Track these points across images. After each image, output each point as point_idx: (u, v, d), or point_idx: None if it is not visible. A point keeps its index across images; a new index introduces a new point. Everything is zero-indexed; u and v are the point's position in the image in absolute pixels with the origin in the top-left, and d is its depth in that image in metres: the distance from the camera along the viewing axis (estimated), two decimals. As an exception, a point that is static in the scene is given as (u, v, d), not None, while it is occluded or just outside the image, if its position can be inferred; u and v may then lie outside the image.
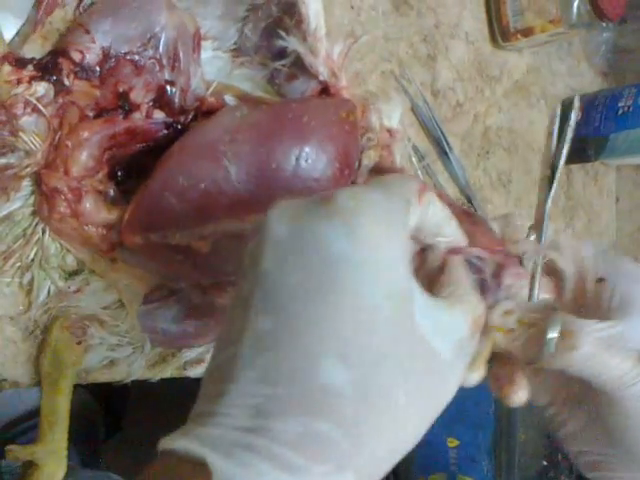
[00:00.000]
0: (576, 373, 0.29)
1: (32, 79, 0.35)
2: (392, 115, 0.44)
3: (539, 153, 0.72)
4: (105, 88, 0.38)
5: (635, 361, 0.28)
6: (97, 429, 0.74)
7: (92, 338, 0.40)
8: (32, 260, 0.38)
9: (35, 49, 0.37)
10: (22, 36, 0.37)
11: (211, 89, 0.41)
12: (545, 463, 0.69)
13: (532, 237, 0.33)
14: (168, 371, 0.45)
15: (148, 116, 0.38)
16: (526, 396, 0.30)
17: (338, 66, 0.42)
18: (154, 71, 0.39)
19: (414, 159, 0.57)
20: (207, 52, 0.42)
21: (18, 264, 0.38)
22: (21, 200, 0.37)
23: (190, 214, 0.35)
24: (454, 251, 0.28)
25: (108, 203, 0.37)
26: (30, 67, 0.35)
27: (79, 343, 0.40)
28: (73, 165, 0.36)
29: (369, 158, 0.41)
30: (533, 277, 0.32)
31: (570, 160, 0.75)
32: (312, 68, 0.41)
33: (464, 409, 0.66)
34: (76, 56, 0.37)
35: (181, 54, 0.40)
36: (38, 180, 0.36)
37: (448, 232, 0.29)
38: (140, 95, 0.38)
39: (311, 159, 0.36)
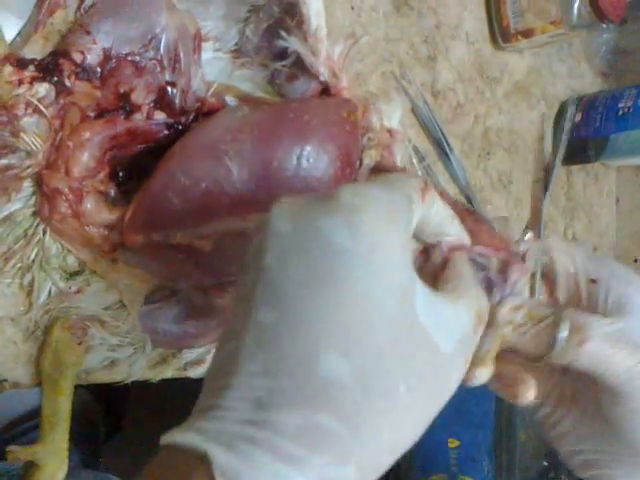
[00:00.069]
0: (582, 368, 0.29)
1: (33, 80, 0.35)
2: (392, 115, 0.44)
3: (539, 154, 0.72)
4: (106, 89, 0.38)
5: None
6: (98, 429, 0.74)
7: (93, 339, 0.40)
8: (33, 261, 0.38)
9: (36, 50, 0.38)
10: (23, 37, 0.38)
11: (212, 90, 0.41)
12: (546, 463, 0.69)
13: (528, 236, 0.33)
14: (169, 372, 0.45)
15: (149, 117, 0.38)
16: (534, 394, 0.30)
17: (339, 66, 0.42)
18: (155, 72, 0.39)
19: (415, 160, 0.57)
20: (208, 53, 0.42)
21: (19, 265, 0.38)
22: (22, 201, 0.37)
23: (192, 213, 0.35)
24: (457, 248, 0.29)
25: (109, 203, 0.37)
26: (31, 68, 0.35)
27: (80, 344, 0.40)
28: (74, 166, 0.36)
29: (370, 157, 0.41)
30: (534, 274, 0.32)
31: (570, 161, 0.75)
32: (313, 68, 0.41)
33: (465, 409, 0.66)
34: (77, 57, 0.37)
35: (182, 55, 0.40)
36: (39, 181, 0.36)
37: (451, 231, 0.29)
38: (141, 96, 0.39)
39: (312, 158, 0.36)
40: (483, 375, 0.28)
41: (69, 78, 0.36)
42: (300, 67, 0.41)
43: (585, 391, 0.32)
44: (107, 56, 0.38)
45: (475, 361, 0.28)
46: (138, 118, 0.38)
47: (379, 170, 0.39)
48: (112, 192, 0.38)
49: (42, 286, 0.39)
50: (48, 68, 0.36)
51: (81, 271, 0.40)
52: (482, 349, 0.28)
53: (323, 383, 0.22)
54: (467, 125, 0.64)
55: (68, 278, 0.39)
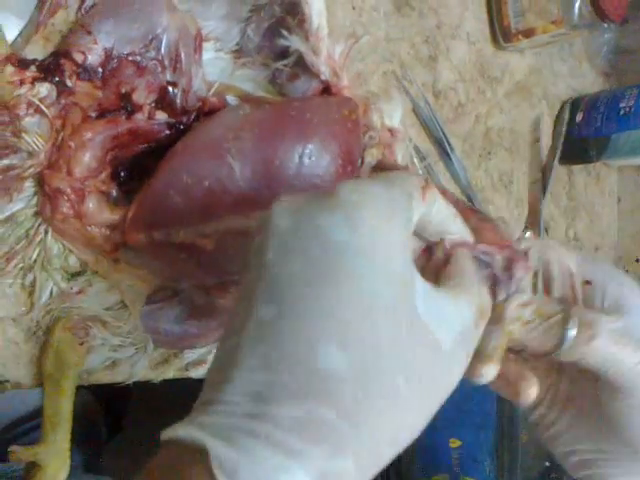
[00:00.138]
0: (589, 364, 0.29)
1: (35, 80, 0.35)
2: (393, 114, 0.44)
3: (537, 154, 0.72)
4: (107, 89, 0.38)
5: None
6: (99, 430, 0.74)
7: (94, 339, 0.40)
8: (34, 261, 0.38)
9: (37, 50, 0.38)
10: (24, 37, 0.38)
11: (213, 90, 0.41)
12: (548, 464, 0.69)
13: (528, 235, 0.33)
14: (170, 372, 0.45)
15: (150, 117, 0.38)
16: (537, 392, 0.30)
17: (339, 66, 0.42)
18: (156, 72, 0.39)
19: (415, 159, 0.57)
20: (209, 53, 0.42)
21: (20, 265, 0.38)
22: (24, 201, 0.37)
23: (194, 212, 0.35)
24: (460, 245, 0.29)
25: (111, 203, 0.37)
26: (33, 68, 0.35)
27: (81, 344, 0.40)
28: (76, 166, 0.36)
29: (372, 156, 0.41)
30: (536, 273, 0.32)
31: (572, 161, 0.75)
32: (314, 67, 0.41)
33: (466, 410, 0.66)
34: (78, 57, 0.37)
35: (183, 55, 0.40)
36: (41, 181, 0.36)
37: (454, 230, 0.29)
38: (142, 96, 0.39)
39: (314, 156, 0.36)
40: (490, 373, 0.28)
41: (70, 78, 0.36)
42: (301, 66, 0.42)
43: (582, 390, 0.33)
44: (108, 56, 0.38)
45: (482, 358, 0.28)
46: (139, 118, 0.38)
47: (381, 168, 0.39)
48: (114, 192, 0.38)
49: (44, 286, 0.39)
50: (49, 68, 0.36)
51: (83, 271, 0.40)
52: (489, 346, 0.28)
53: (322, 376, 0.22)
54: (468, 125, 0.64)
55: (70, 278, 0.39)
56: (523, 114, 0.70)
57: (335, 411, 0.22)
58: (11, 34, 0.37)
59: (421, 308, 0.24)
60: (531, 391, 0.30)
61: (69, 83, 0.36)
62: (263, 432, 0.21)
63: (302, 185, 0.36)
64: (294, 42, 0.40)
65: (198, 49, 0.41)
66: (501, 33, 0.65)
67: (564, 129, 0.72)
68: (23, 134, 0.35)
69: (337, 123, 0.38)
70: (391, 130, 0.44)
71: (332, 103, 0.40)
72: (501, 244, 0.29)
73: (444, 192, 0.30)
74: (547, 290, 0.33)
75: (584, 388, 0.32)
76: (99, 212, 0.36)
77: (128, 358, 0.42)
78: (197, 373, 0.46)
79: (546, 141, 0.72)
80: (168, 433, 0.22)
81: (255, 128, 0.36)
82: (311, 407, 0.22)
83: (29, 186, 0.37)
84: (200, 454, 0.21)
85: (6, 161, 0.35)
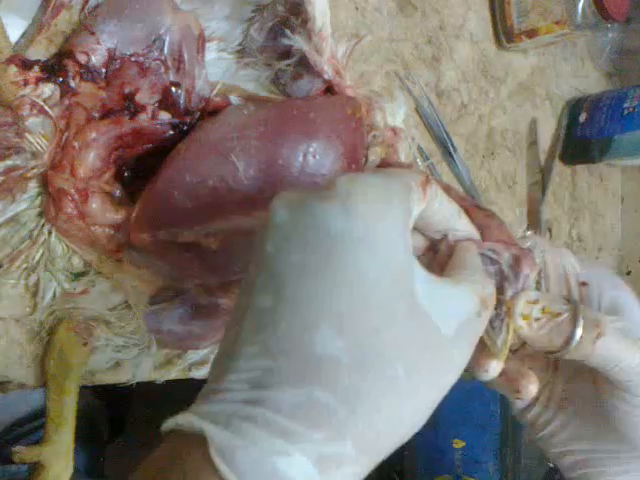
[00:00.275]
0: (594, 363, 0.29)
1: (38, 81, 0.35)
2: (396, 114, 0.44)
3: (543, 154, 0.72)
4: (111, 89, 0.38)
5: None
6: (101, 430, 0.74)
7: (98, 339, 0.40)
8: (38, 262, 0.38)
9: (40, 51, 0.38)
10: (27, 38, 0.38)
11: (215, 90, 0.41)
12: (551, 465, 0.69)
13: (530, 234, 0.33)
14: (173, 373, 0.45)
15: (154, 117, 0.39)
16: (537, 389, 0.30)
17: (342, 65, 0.42)
18: (159, 72, 0.39)
19: (418, 159, 0.57)
20: (212, 53, 0.42)
21: (24, 266, 0.38)
22: (27, 202, 0.37)
23: (198, 211, 0.35)
24: (466, 241, 0.29)
25: (115, 204, 0.37)
26: (36, 69, 0.36)
27: (85, 344, 0.40)
28: (80, 166, 0.36)
29: (375, 154, 0.41)
30: (540, 271, 0.33)
31: (575, 161, 0.75)
32: (317, 67, 0.41)
33: (470, 410, 0.66)
34: (82, 58, 0.37)
35: (186, 56, 0.40)
36: (44, 181, 0.36)
37: (458, 227, 0.29)
38: (146, 96, 0.39)
39: (318, 155, 0.36)
40: (496, 368, 0.28)
41: (74, 79, 0.36)
42: (304, 66, 0.42)
43: (578, 389, 0.33)
44: (111, 57, 0.38)
45: (489, 353, 0.28)
46: (143, 118, 0.38)
47: (385, 167, 0.39)
48: (117, 192, 0.38)
49: (47, 287, 0.39)
50: (53, 69, 0.36)
51: (86, 272, 0.40)
52: (497, 341, 0.28)
53: (318, 360, 0.22)
54: (471, 125, 0.64)
55: (73, 279, 0.39)
56: (526, 114, 0.69)
57: (332, 395, 0.22)
58: (14, 35, 0.37)
59: (421, 295, 0.24)
60: (531, 387, 0.30)
61: (72, 84, 0.36)
62: (261, 416, 0.21)
63: (306, 184, 0.36)
64: (297, 42, 0.40)
65: (201, 49, 0.41)
66: (504, 33, 0.65)
67: (563, 128, 0.72)
68: (26, 134, 0.35)
69: (341, 122, 0.38)
70: (394, 129, 0.44)
71: (336, 102, 0.40)
72: (508, 241, 0.29)
73: (448, 189, 0.30)
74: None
75: (581, 387, 0.33)
76: (103, 212, 0.36)
77: (131, 359, 0.42)
78: (200, 373, 0.46)
79: (547, 141, 0.72)
80: (169, 423, 0.23)
81: (259, 127, 0.36)
82: (308, 391, 0.22)
83: (33, 187, 0.37)
84: (199, 441, 0.21)
85: (9, 162, 0.35)
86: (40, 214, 0.37)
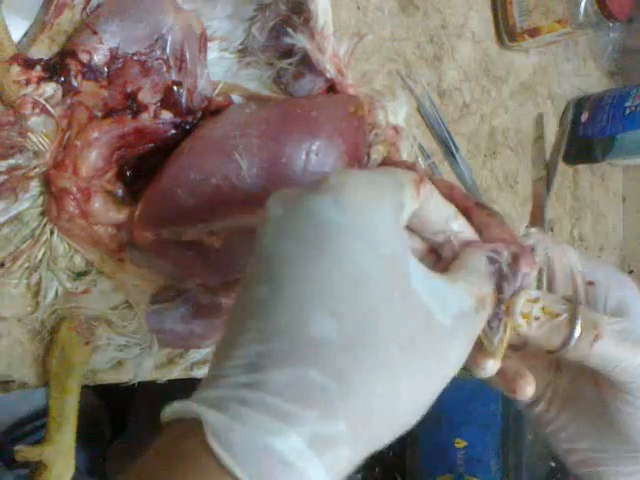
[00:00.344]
0: (593, 364, 0.29)
1: (40, 80, 0.35)
2: (397, 112, 0.44)
3: (548, 150, 0.71)
4: (113, 88, 0.38)
5: None
6: (103, 430, 0.74)
7: (100, 339, 0.40)
8: (40, 261, 0.38)
9: (42, 50, 0.38)
10: (30, 37, 0.38)
11: (217, 89, 0.41)
12: (553, 464, 0.69)
13: (533, 231, 0.33)
14: (175, 372, 0.45)
15: (156, 116, 0.39)
16: (533, 390, 0.30)
17: (344, 64, 0.42)
18: (161, 72, 0.39)
19: (420, 159, 0.57)
20: (214, 53, 0.43)
21: (26, 265, 0.38)
22: (29, 201, 0.37)
23: (201, 209, 0.35)
24: (469, 244, 0.29)
25: (117, 203, 0.37)
26: (38, 68, 0.36)
27: (87, 344, 0.40)
28: (82, 165, 0.36)
29: (377, 153, 0.41)
30: (541, 269, 0.33)
31: (577, 160, 0.75)
32: (319, 66, 0.41)
33: (471, 410, 0.66)
34: (84, 57, 0.37)
35: (188, 55, 0.40)
36: (47, 181, 0.36)
37: (455, 228, 0.29)
38: (148, 95, 0.39)
39: (321, 153, 0.36)
40: (493, 367, 0.28)
41: (76, 78, 0.36)
42: (306, 65, 0.42)
43: (581, 389, 0.33)
44: (114, 56, 0.38)
45: (486, 352, 0.28)
46: (145, 117, 0.38)
47: (386, 165, 0.39)
48: (120, 191, 0.38)
49: (49, 286, 0.39)
50: (55, 68, 0.36)
51: (88, 271, 0.40)
52: (495, 340, 0.28)
53: (311, 341, 0.23)
54: (473, 124, 0.63)
55: (75, 278, 0.39)
56: (528, 113, 0.69)
57: (326, 375, 0.22)
58: (17, 34, 0.37)
59: (416, 285, 0.24)
60: (528, 389, 0.30)
61: (75, 83, 0.36)
62: (256, 399, 0.22)
63: (308, 182, 0.36)
64: (300, 40, 0.40)
65: (203, 49, 0.41)
66: (506, 32, 0.65)
67: (568, 126, 0.71)
68: (29, 134, 0.35)
69: (343, 120, 0.38)
70: (395, 128, 0.44)
71: (338, 101, 0.40)
72: (508, 240, 0.29)
73: (451, 188, 0.30)
74: (549, 289, 0.33)
75: (583, 387, 0.33)
76: (105, 211, 0.36)
77: (133, 358, 0.42)
78: (202, 372, 0.46)
79: (550, 140, 0.72)
80: (167, 411, 0.23)
81: (262, 126, 0.36)
82: (302, 372, 0.22)
83: (35, 186, 0.37)
84: (197, 426, 0.21)
85: (12, 161, 0.35)
86: (42, 213, 0.37)
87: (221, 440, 0.21)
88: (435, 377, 0.25)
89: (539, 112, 0.70)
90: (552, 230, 0.72)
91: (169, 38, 0.39)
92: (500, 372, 0.30)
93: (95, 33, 0.37)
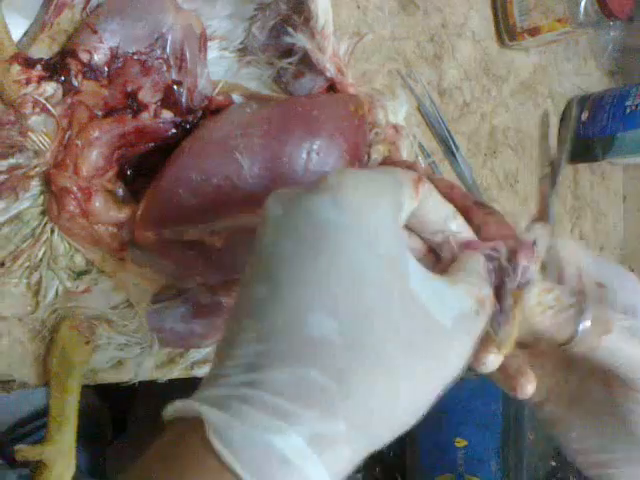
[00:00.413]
0: (600, 358, 0.29)
1: (41, 79, 0.35)
2: (397, 112, 0.44)
3: (545, 151, 0.71)
4: (113, 88, 0.38)
5: None
6: (104, 430, 0.74)
7: (100, 338, 0.40)
8: (40, 260, 0.38)
9: (43, 50, 0.38)
10: (30, 37, 0.38)
11: (218, 88, 0.41)
12: (554, 464, 0.69)
13: (536, 224, 0.33)
14: (176, 371, 0.45)
15: (156, 115, 0.39)
16: (533, 389, 0.30)
17: (344, 63, 0.42)
18: (162, 71, 0.39)
19: (420, 158, 0.57)
20: (214, 52, 0.43)
21: (26, 264, 0.38)
22: (30, 200, 0.37)
23: (203, 209, 0.35)
24: (467, 245, 0.29)
25: (118, 202, 0.37)
26: (39, 67, 0.36)
27: (87, 343, 0.40)
28: (83, 164, 0.36)
29: (378, 152, 0.41)
30: (544, 263, 0.32)
31: (577, 159, 0.74)
32: (319, 65, 0.41)
33: (472, 410, 0.66)
34: (84, 56, 0.37)
35: (188, 54, 0.40)
36: (47, 180, 0.36)
37: (453, 228, 0.29)
38: (148, 95, 0.39)
39: (322, 152, 0.36)
40: (494, 362, 0.28)
41: (76, 77, 0.36)
42: (307, 64, 0.42)
43: (591, 390, 0.33)
44: (114, 55, 0.38)
45: (487, 347, 0.28)
46: (145, 117, 0.38)
47: (386, 164, 0.39)
48: (120, 191, 0.38)
49: (49, 285, 0.39)
50: (55, 67, 0.36)
51: (88, 270, 0.40)
52: (497, 335, 0.28)
53: (310, 341, 0.23)
54: (473, 124, 0.63)
55: (75, 277, 0.39)
56: (528, 113, 0.69)
57: (323, 372, 0.22)
58: (17, 34, 0.37)
59: (415, 286, 0.24)
60: (529, 387, 0.30)
61: (75, 82, 0.36)
62: (256, 397, 0.22)
63: (309, 181, 0.36)
64: (300, 40, 0.40)
65: (203, 48, 0.41)
66: (506, 31, 0.65)
67: (574, 124, 0.71)
68: (29, 133, 0.35)
69: (344, 119, 0.38)
70: (395, 127, 0.44)
71: (339, 100, 0.40)
72: (507, 235, 0.29)
73: (452, 187, 0.30)
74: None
75: (593, 387, 0.32)
76: (106, 211, 0.36)
77: (134, 357, 0.42)
78: (202, 372, 0.46)
79: (552, 139, 0.72)
80: (168, 409, 0.23)
81: (263, 125, 0.36)
82: (301, 371, 0.22)
83: (35, 185, 0.37)
84: (198, 424, 0.22)
85: (12, 160, 0.35)
86: (43, 212, 0.37)
87: (221, 437, 0.21)
88: (435, 378, 0.25)
89: (545, 110, 0.70)
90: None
91: (169, 37, 0.39)
92: (502, 369, 0.30)
93: (95, 32, 0.37)
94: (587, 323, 0.29)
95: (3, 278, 0.37)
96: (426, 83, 0.59)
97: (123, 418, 0.83)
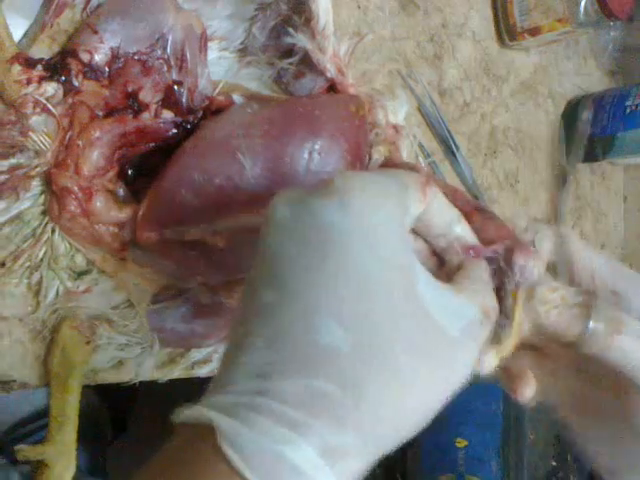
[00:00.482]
0: (611, 359, 0.29)
1: (41, 79, 0.35)
2: (398, 112, 0.44)
3: (546, 153, 0.71)
4: (114, 88, 0.38)
5: None
6: (104, 430, 0.74)
7: (101, 338, 0.40)
8: (41, 260, 0.38)
9: (43, 50, 0.38)
10: (30, 37, 0.38)
11: (218, 89, 0.41)
12: (554, 463, 0.69)
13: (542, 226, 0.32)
14: (176, 372, 0.45)
15: (157, 116, 0.39)
16: (532, 393, 0.30)
17: (345, 64, 0.42)
18: (162, 71, 0.39)
19: (420, 158, 0.57)
20: (214, 52, 0.43)
21: (27, 264, 0.38)
22: (31, 200, 0.37)
23: (205, 209, 0.35)
24: (471, 250, 0.29)
25: (119, 202, 0.37)
26: (39, 67, 0.36)
27: (88, 343, 0.40)
28: (84, 164, 0.36)
29: (379, 153, 0.41)
30: (550, 262, 0.32)
31: (577, 159, 0.74)
32: (320, 65, 0.41)
33: (472, 409, 0.66)
34: (85, 56, 0.37)
35: (188, 55, 0.40)
36: (48, 180, 0.36)
37: (458, 232, 0.29)
38: (149, 95, 0.39)
39: (324, 152, 0.36)
40: (491, 363, 0.28)
41: (77, 77, 0.36)
42: (307, 64, 0.42)
43: (602, 396, 0.32)
44: (115, 55, 0.38)
45: (489, 346, 0.28)
46: (146, 117, 0.38)
47: (388, 166, 0.39)
48: (121, 191, 0.38)
49: (50, 285, 0.39)
50: (56, 67, 0.36)
51: (89, 270, 0.40)
52: (502, 337, 0.28)
53: (321, 351, 0.23)
54: (474, 124, 0.63)
55: (76, 277, 0.39)
56: (529, 113, 0.69)
57: (334, 383, 0.22)
58: (16, 34, 0.37)
59: (422, 294, 0.24)
60: (527, 390, 0.30)
61: (76, 82, 0.36)
62: (266, 406, 0.22)
63: (311, 182, 0.36)
64: (300, 40, 0.40)
65: (203, 48, 0.41)
66: (507, 31, 0.65)
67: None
68: (30, 133, 0.35)
69: (345, 120, 0.38)
70: (395, 127, 0.44)
71: (340, 100, 0.40)
72: (504, 236, 0.29)
73: (455, 192, 0.30)
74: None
75: (604, 395, 0.32)
76: (107, 210, 0.36)
77: (134, 357, 0.42)
78: (203, 372, 0.46)
79: (552, 140, 0.72)
80: (178, 415, 0.23)
81: (265, 125, 0.36)
82: (311, 381, 0.22)
83: (36, 185, 0.37)
84: (208, 431, 0.22)
85: (13, 160, 0.35)
86: (43, 212, 0.37)
87: (234, 446, 0.21)
88: (442, 386, 0.25)
89: (547, 111, 0.70)
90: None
91: (170, 38, 0.39)
92: (505, 370, 0.30)
93: (96, 32, 0.37)
94: (598, 323, 0.28)
95: (4, 278, 0.37)
96: (426, 83, 0.59)
97: (123, 418, 0.83)
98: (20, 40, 0.37)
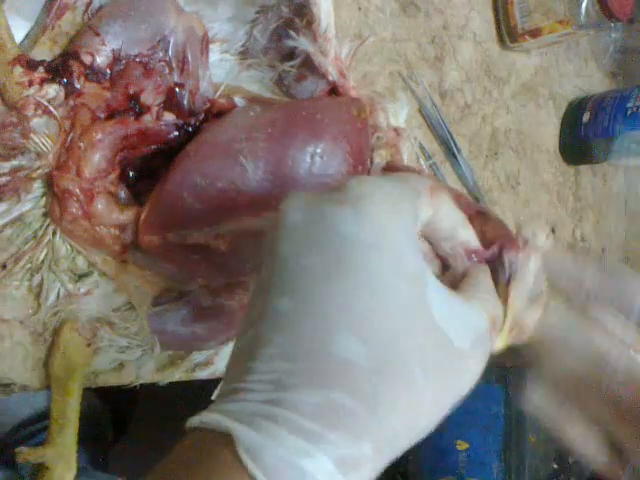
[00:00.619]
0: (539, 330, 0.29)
1: (43, 81, 0.35)
2: (398, 114, 0.44)
3: (547, 154, 0.71)
4: (115, 90, 0.38)
5: None
6: (105, 432, 0.74)
7: (101, 340, 0.40)
8: (42, 262, 0.38)
9: (44, 52, 0.38)
10: (31, 39, 0.38)
11: (219, 91, 0.41)
12: (555, 466, 0.69)
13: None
14: (177, 374, 0.45)
15: (158, 118, 0.39)
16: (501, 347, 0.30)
17: (346, 66, 0.42)
18: (164, 73, 0.39)
19: (422, 160, 0.57)
20: (215, 55, 0.43)
21: (28, 266, 0.38)
22: (32, 202, 0.37)
23: (207, 213, 0.35)
24: (472, 253, 0.29)
25: (120, 204, 0.37)
26: (41, 69, 0.36)
27: (88, 345, 0.40)
28: (85, 166, 0.36)
29: (381, 157, 0.41)
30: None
31: (578, 161, 0.74)
32: (321, 68, 0.41)
33: (473, 412, 0.66)
34: (86, 58, 0.37)
35: (190, 57, 0.40)
36: (49, 182, 0.36)
37: (463, 235, 0.29)
38: (150, 97, 0.39)
39: (326, 156, 0.36)
40: (498, 346, 0.28)
41: (78, 79, 0.36)
42: (308, 67, 0.42)
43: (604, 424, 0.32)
44: (116, 57, 0.38)
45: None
46: (148, 119, 0.38)
47: (391, 170, 0.39)
48: (122, 193, 0.38)
49: (51, 288, 0.39)
50: (58, 69, 0.36)
51: (90, 273, 0.39)
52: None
53: (339, 363, 0.23)
54: (475, 125, 0.63)
55: (77, 280, 0.39)
56: (530, 114, 0.69)
57: (352, 396, 0.22)
58: (18, 36, 0.37)
59: (436, 307, 0.25)
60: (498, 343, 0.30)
61: (77, 84, 0.36)
62: (282, 417, 0.22)
63: (314, 185, 0.36)
64: (302, 43, 0.40)
65: (205, 51, 0.41)
66: (507, 33, 0.65)
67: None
68: (31, 135, 0.35)
69: (347, 123, 0.38)
70: (396, 129, 0.44)
71: (341, 103, 0.40)
72: (501, 235, 0.29)
73: (459, 196, 0.30)
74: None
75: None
76: (108, 213, 0.36)
77: (135, 360, 0.42)
78: (204, 374, 0.46)
79: (552, 141, 0.72)
80: (192, 420, 0.23)
81: (267, 128, 0.36)
82: (329, 393, 0.22)
83: (38, 187, 0.37)
84: (225, 438, 0.22)
85: (15, 162, 0.35)
86: (45, 214, 0.37)
87: (250, 454, 0.21)
88: (451, 395, 0.25)
89: (561, 115, 0.69)
90: (553, 231, 0.72)
91: (171, 40, 0.39)
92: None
93: (97, 35, 0.37)
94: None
95: (4, 280, 0.37)
96: (427, 85, 0.59)
97: (124, 420, 0.83)
98: (21, 42, 0.37)
